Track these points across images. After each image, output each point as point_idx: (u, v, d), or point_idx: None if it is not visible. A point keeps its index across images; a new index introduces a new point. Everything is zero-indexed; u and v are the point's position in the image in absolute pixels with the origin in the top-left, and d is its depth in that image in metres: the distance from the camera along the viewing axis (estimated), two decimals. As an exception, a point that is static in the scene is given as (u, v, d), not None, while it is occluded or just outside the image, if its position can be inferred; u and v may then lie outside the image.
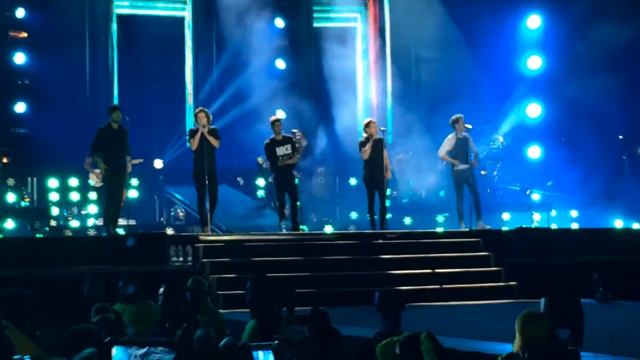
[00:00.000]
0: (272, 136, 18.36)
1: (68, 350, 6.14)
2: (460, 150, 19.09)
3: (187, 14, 24.84)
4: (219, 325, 9.98)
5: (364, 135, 18.77)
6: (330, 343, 7.43)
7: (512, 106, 24.80)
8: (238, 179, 23.76)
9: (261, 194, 23.08)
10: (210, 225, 17.99)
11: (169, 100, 24.49)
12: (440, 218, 22.06)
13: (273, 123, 18.40)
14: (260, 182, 22.97)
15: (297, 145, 18.21)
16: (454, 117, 19.21)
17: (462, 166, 19.04)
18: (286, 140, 18.29)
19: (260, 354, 4.18)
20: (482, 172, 21.95)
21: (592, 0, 23.88)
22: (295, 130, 18.44)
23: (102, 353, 3.01)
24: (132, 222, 20.89)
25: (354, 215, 22.74)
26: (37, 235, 19.66)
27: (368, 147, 18.44)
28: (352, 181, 23.19)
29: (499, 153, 23.28)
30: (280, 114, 20.14)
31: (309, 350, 7.56)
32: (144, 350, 2.96)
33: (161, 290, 10.91)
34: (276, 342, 5.98)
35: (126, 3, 24.65)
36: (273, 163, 18.37)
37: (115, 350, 2.99)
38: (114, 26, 24.27)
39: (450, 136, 19.21)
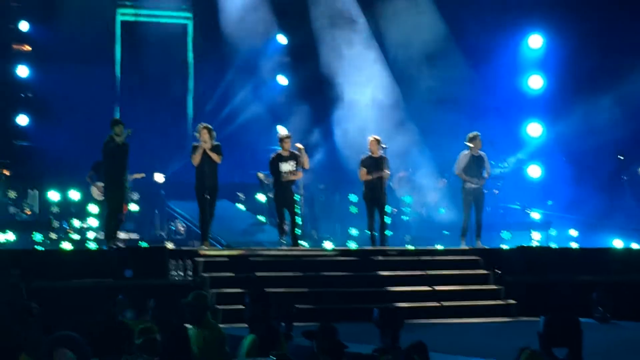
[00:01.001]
0: (279, 151, 18.38)
1: (47, 358, 6.12)
2: (474, 168, 18.94)
3: (188, 24, 25.01)
4: (219, 340, 10.00)
5: (368, 152, 18.82)
6: (338, 358, 7.47)
7: (514, 126, 24.86)
8: (238, 194, 23.79)
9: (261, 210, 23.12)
10: (209, 240, 18.01)
11: (172, 114, 24.56)
12: (443, 234, 22.05)
13: (282, 140, 18.41)
14: (261, 197, 23.02)
15: (301, 159, 18.24)
16: (471, 134, 19.05)
17: (474, 185, 18.94)
18: (292, 157, 18.31)
19: None
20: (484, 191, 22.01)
21: (594, 21, 23.94)
22: (299, 146, 18.41)
23: None
24: (134, 235, 20.91)
25: (353, 231, 22.77)
26: (38, 248, 19.68)
27: (363, 173, 18.58)
28: (353, 198, 23.23)
29: (500, 172, 23.30)
30: (282, 130, 20.13)
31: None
32: None
33: (151, 303, 10.88)
34: (272, 358, 6.01)
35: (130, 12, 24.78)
36: (276, 178, 18.37)
37: None
38: (118, 41, 24.39)
39: (465, 152, 19.10)
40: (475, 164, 18.96)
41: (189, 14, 25.41)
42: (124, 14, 24.87)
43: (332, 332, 8.13)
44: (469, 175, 18.91)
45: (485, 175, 19.15)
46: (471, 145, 18.98)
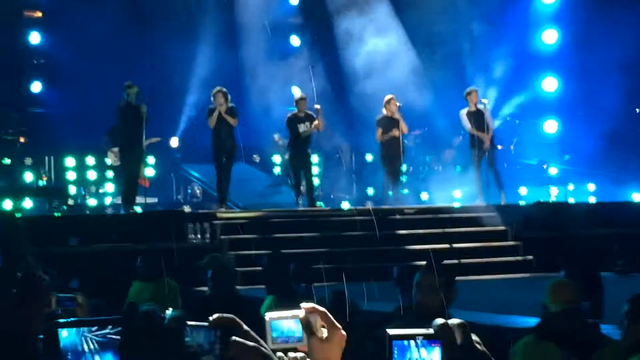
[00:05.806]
0: (295, 112, 18.42)
1: None
2: (476, 124, 18.82)
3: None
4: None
5: (384, 112, 18.76)
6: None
7: (527, 80, 24.67)
8: (254, 156, 23.76)
9: (278, 171, 23.07)
10: (227, 203, 18.03)
11: (186, 77, 24.41)
12: (457, 193, 21.93)
13: (297, 102, 18.46)
14: (277, 158, 22.96)
15: (317, 120, 18.25)
16: (467, 89, 19.02)
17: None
18: (308, 118, 18.32)
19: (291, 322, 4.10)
20: (499, 147, 21.88)
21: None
22: (317, 107, 18.39)
23: (48, 336, 2.84)
24: (151, 200, 20.89)
25: (370, 191, 22.69)
26: (55, 214, 19.71)
27: (379, 134, 18.50)
28: (369, 157, 23.13)
29: (515, 127, 23.16)
30: (297, 91, 20.10)
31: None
32: (95, 328, 2.83)
33: (138, 262, 10.84)
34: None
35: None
36: (293, 137, 18.37)
37: (65, 332, 2.82)
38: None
39: (463, 111, 18.96)
40: (475, 120, 18.74)
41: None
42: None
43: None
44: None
45: (488, 131, 18.77)
46: (485, 100, 18.84)
